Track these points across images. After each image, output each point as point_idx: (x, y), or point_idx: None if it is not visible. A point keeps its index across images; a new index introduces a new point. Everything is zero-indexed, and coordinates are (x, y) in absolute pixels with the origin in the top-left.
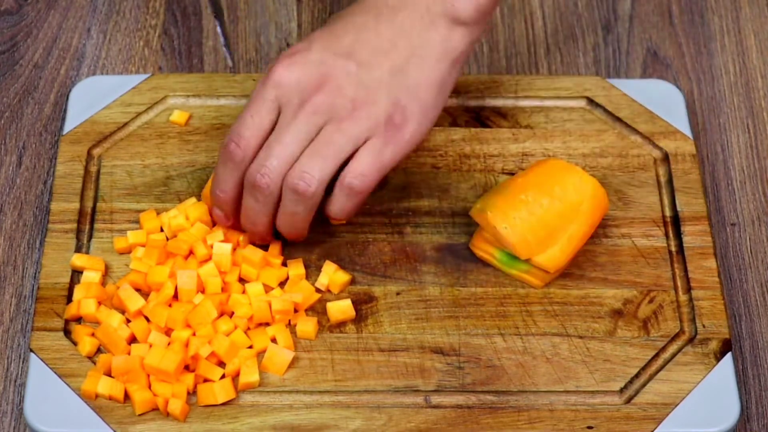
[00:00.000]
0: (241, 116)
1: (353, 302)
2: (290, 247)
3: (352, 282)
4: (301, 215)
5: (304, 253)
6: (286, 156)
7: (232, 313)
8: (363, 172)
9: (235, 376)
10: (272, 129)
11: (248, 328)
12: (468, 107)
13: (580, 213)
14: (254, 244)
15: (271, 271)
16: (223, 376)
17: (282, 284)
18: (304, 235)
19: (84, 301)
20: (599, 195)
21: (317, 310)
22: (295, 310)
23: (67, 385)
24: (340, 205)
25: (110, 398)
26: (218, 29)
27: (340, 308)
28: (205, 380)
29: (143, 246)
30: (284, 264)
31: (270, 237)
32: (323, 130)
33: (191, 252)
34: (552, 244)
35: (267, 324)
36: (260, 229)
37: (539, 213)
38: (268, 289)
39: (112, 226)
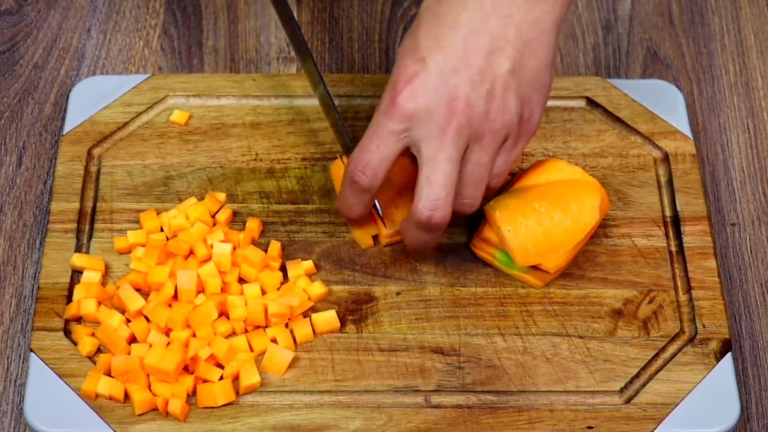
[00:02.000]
0: (365, 145)
1: (353, 302)
2: (290, 247)
3: (353, 282)
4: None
5: (304, 254)
6: (449, 185)
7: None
8: (498, 173)
9: (235, 378)
10: (396, 159)
11: (246, 330)
12: None
13: (588, 233)
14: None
15: (270, 274)
16: (221, 378)
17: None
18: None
19: (84, 301)
20: (604, 200)
21: (317, 309)
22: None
23: (67, 385)
24: (476, 202)
25: (110, 398)
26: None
27: (325, 320)
28: (204, 381)
29: (143, 246)
30: (283, 265)
31: None
32: (468, 153)
33: (191, 252)
34: (551, 257)
35: (262, 327)
36: (427, 251)
37: (547, 225)
38: (266, 291)
39: (112, 226)
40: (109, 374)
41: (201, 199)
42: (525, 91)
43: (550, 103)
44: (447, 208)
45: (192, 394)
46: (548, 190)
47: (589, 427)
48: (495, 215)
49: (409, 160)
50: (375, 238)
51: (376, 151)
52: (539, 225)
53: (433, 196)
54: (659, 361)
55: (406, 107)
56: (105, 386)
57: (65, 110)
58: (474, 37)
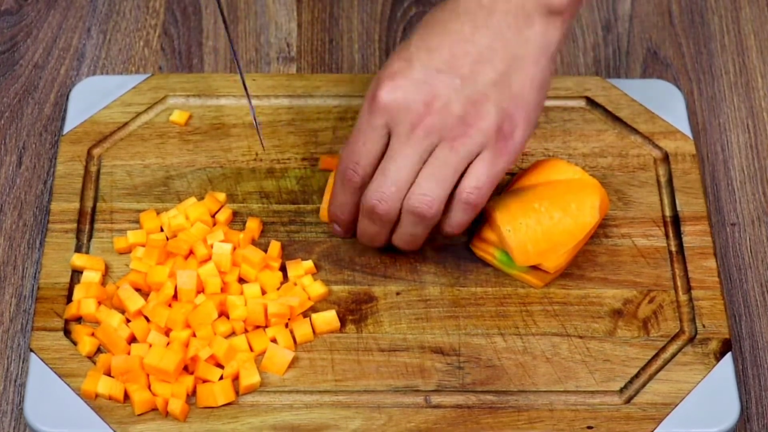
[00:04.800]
0: (352, 143)
1: (353, 302)
2: (290, 247)
3: (353, 282)
4: (420, 234)
5: (304, 254)
6: (402, 181)
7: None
8: (478, 186)
9: (235, 378)
10: (383, 153)
11: (246, 330)
12: None
13: (588, 233)
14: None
15: (270, 274)
16: (221, 378)
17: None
18: (419, 247)
19: (84, 301)
20: (604, 200)
21: (317, 308)
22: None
23: (67, 385)
24: (457, 221)
25: (110, 398)
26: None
27: (325, 319)
28: (204, 381)
29: (143, 246)
30: (283, 265)
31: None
32: (437, 150)
33: (191, 252)
34: (551, 257)
35: (262, 327)
36: (377, 245)
37: (547, 225)
38: (266, 291)
39: (112, 226)
40: (109, 374)
41: (201, 199)
42: (507, 105)
43: (550, 102)
44: (393, 202)
45: (192, 394)
46: (548, 190)
47: (589, 427)
48: (495, 215)
49: None
50: None
51: (363, 148)
52: (539, 224)
53: (383, 187)
54: (659, 361)
55: (385, 100)
56: (105, 386)
57: (65, 110)
58: (462, 45)
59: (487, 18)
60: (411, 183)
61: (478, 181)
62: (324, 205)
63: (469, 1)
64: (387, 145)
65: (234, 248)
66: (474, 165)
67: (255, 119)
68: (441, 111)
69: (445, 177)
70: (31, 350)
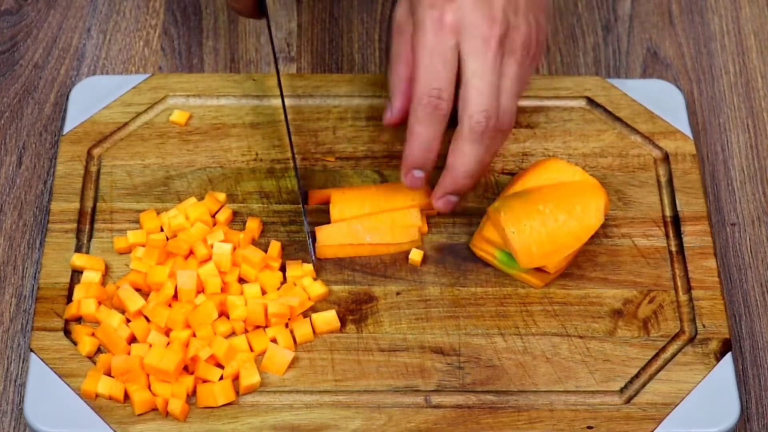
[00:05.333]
0: (426, 71)
1: (353, 302)
2: (290, 247)
3: (353, 282)
4: (495, 150)
5: (305, 254)
6: (496, 97)
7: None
8: (507, 110)
9: (235, 378)
10: (457, 76)
11: (246, 330)
12: None
13: (591, 235)
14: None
15: (270, 274)
16: (221, 378)
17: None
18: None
19: (84, 301)
20: (605, 201)
21: (317, 308)
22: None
23: (67, 385)
24: (512, 119)
25: (110, 398)
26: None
27: (325, 319)
28: (204, 381)
29: (143, 246)
30: (283, 265)
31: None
32: (505, 65)
33: (191, 252)
34: (555, 259)
35: (262, 327)
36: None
37: (552, 227)
38: (266, 291)
39: (112, 226)
40: (109, 374)
41: (201, 199)
42: (536, 13)
43: (550, 103)
44: (497, 118)
45: (192, 394)
46: (553, 192)
47: (589, 427)
48: (500, 217)
49: None
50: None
51: (443, 70)
52: (543, 227)
53: (486, 104)
54: (659, 361)
55: (453, 20)
56: (105, 386)
57: (65, 110)
58: None
59: None
60: (498, 99)
61: (507, 104)
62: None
63: None
64: (458, 68)
65: (234, 248)
66: (511, 81)
67: (292, 149)
68: (503, 21)
69: (516, 92)
70: (31, 350)
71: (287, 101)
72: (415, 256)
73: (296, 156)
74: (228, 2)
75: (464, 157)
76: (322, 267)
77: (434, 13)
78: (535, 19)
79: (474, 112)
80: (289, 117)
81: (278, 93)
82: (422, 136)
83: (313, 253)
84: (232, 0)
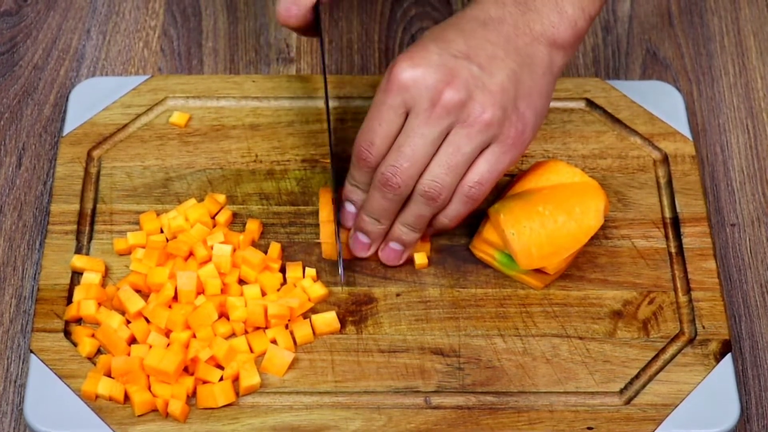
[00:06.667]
0: (369, 123)
1: (353, 303)
2: (290, 249)
3: (353, 283)
4: (426, 217)
5: (304, 255)
6: (418, 159)
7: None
8: (481, 181)
9: (235, 379)
10: (399, 133)
11: (246, 332)
12: None
13: (590, 236)
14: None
15: (270, 275)
16: (221, 378)
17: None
18: (413, 246)
19: (84, 302)
20: (605, 202)
21: (317, 310)
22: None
23: (67, 385)
24: (455, 212)
25: (110, 399)
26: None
27: (325, 321)
28: (204, 382)
29: (143, 247)
30: (283, 266)
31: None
32: (452, 135)
33: (191, 253)
34: (554, 260)
35: (262, 328)
36: (380, 228)
37: (551, 228)
38: (266, 293)
39: (112, 228)
40: (109, 375)
41: (201, 200)
42: (519, 102)
43: (550, 104)
44: (406, 178)
45: (192, 395)
46: (553, 194)
47: (589, 428)
48: (500, 218)
49: None
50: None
51: (379, 128)
52: (543, 228)
53: (398, 161)
54: (659, 362)
55: (403, 77)
56: (105, 387)
57: (65, 111)
58: (477, 40)
59: (498, 26)
60: (425, 163)
61: (481, 177)
62: (324, 238)
63: (477, 12)
64: (402, 126)
65: (234, 250)
66: (480, 158)
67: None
68: (460, 90)
69: (457, 165)
70: (31, 351)
71: (288, 103)
72: (420, 258)
73: (296, 157)
74: (280, 20)
75: (372, 205)
76: (322, 268)
77: (392, 68)
78: (513, 108)
79: (382, 168)
80: (288, 118)
81: (279, 94)
82: (352, 178)
83: (342, 277)
84: (292, 19)
